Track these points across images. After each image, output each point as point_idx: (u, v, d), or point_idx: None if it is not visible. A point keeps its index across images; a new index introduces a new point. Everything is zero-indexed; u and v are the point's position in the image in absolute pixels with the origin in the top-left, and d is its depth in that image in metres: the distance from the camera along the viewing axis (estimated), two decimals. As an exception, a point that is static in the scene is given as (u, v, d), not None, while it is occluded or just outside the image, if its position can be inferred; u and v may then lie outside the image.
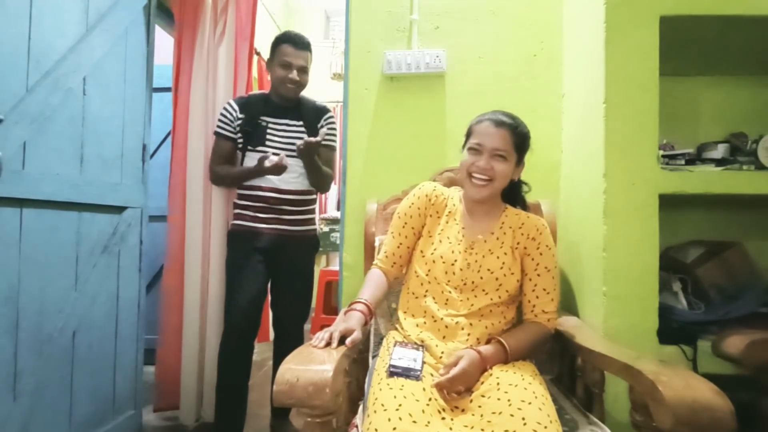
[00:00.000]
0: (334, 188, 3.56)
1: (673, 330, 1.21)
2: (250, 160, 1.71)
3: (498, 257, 1.09)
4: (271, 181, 1.70)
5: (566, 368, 1.25)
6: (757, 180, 1.20)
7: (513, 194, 1.19)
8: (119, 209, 1.61)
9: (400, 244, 1.16)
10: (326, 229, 3.27)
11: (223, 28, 1.95)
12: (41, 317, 1.29)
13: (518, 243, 1.10)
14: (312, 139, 1.61)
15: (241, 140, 1.74)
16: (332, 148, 1.82)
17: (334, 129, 1.81)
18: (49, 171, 1.30)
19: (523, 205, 1.21)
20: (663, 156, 1.30)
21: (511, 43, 1.59)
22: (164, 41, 2.16)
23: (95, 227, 1.50)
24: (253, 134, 1.72)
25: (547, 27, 1.58)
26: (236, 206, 1.77)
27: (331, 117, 1.80)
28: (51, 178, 1.31)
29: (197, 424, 1.92)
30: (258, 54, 2.74)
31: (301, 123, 1.75)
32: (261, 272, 1.71)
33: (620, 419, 1.13)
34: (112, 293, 1.58)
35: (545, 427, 0.80)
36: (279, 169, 1.64)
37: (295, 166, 1.72)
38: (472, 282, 1.07)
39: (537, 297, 1.08)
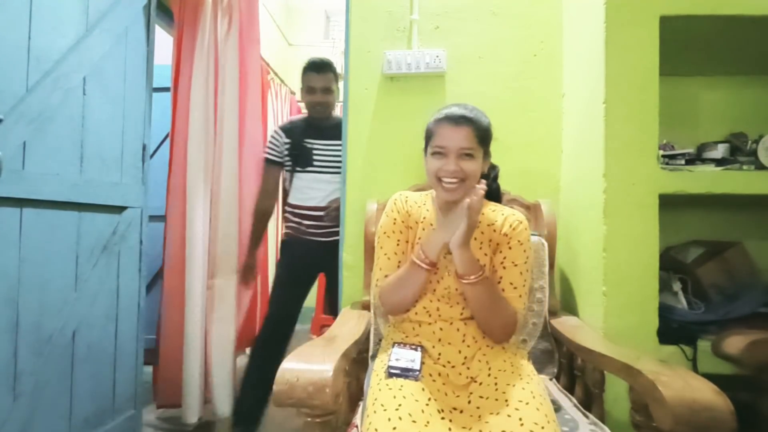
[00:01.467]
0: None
1: (673, 330, 1.21)
2: (299, 180, 1.91)
3: (478, 259, 1.03)
4: (319, 201, 1.88)
5: (566, 368, 1.25)
6: (757, 180, 1.20)
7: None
8: (119, 209, 1.60)
9: (400, 262, 1.10)
10: (326, 229, 3.26)
11: (227, 26, 1.95)
12: (41, 317, 1.29)
13: (491, 240, 1.07)
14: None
15: (289, 163, 1.92)
16: None
17: None
18: (49, 171, 1.30)
19: (497, 195, 1.18)
20: (663, 156, 1.30)
21: (511, 43, 1.58)
22: (164, 41, 2.16)
23: (95, 227, 1.50)
24: (299, 156, 1.90)
25: (547, 27, 1.58)
26: (288, 220, 1.97)
27: None
28: (51, 178, 1.31)
29: (199, 422, 1.92)
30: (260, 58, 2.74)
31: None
32: (305, 279, 1.96)
33: (620, 419, 1.13)
34: (112, 293, 1.58)
35: (542, 428, 0.80)
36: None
37: (333, 182, 1.86)
38: (456, 289, 1.04)
39: (503, 290, 1.03)
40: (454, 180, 1.00)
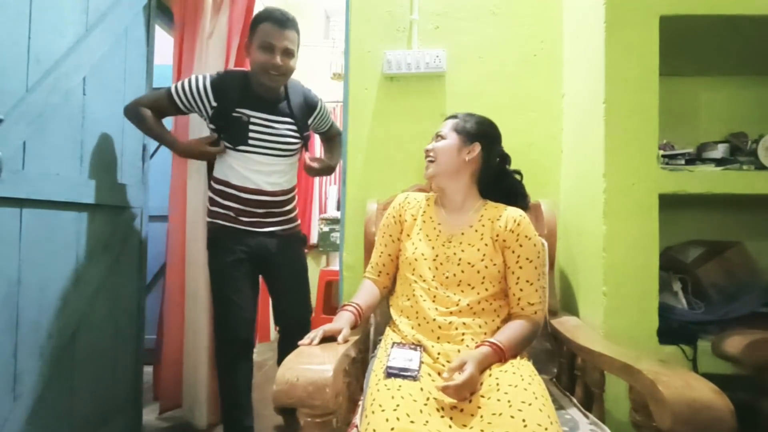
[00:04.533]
0: (334, 188, 3.57)
1: (673, 330, 1.21)
2: (232, 158, 1.55)
3: (478, 249, 1.10)
4: (256, 182, 1.56)
5: (566, 368, 1.25)
6: (757, 180, 1.20)
7: (502, 186, 1.22)
8: (119, 209, 1.60)
9: (381, 253, 1.23)
10: (326, 229, 3.27)
11: (214, 24, 1.93)
12: (41, 317, 1.29)
13: (497, 235, 1.11)
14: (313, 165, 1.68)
15: (211, 128, 1.58)
16: (334, 125, 1.82)
17: (326, 115, 1.75)
18: (49, 171, 1.30)
19: (523, 200, 1.22)
20: (663, 156, 1.30)
21: (511, 43, 1.58)
22: (164, 41, 2.15)
23: (95, 227, 1.50)
24: (228, 130, 1.52)
25: (547, 27, 1.58)
26: (215, 203, 1.58)
27: (321, 109, 1.71)
28: (51, 178, 1.31)
29: (205, 423, 1.91)
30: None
31: (291, 120, 1.60)
32: (252, 277, 1.62)
33: (620, 419, 1.13)
34: (112, 293, 1.58)
35: (545, 429, 0.80)
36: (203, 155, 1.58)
37: (282, 165, 1.62)
38: (454, 275, 1.09)
39: (521, 290, 1.08)
40: (429, 158, 1.17)
